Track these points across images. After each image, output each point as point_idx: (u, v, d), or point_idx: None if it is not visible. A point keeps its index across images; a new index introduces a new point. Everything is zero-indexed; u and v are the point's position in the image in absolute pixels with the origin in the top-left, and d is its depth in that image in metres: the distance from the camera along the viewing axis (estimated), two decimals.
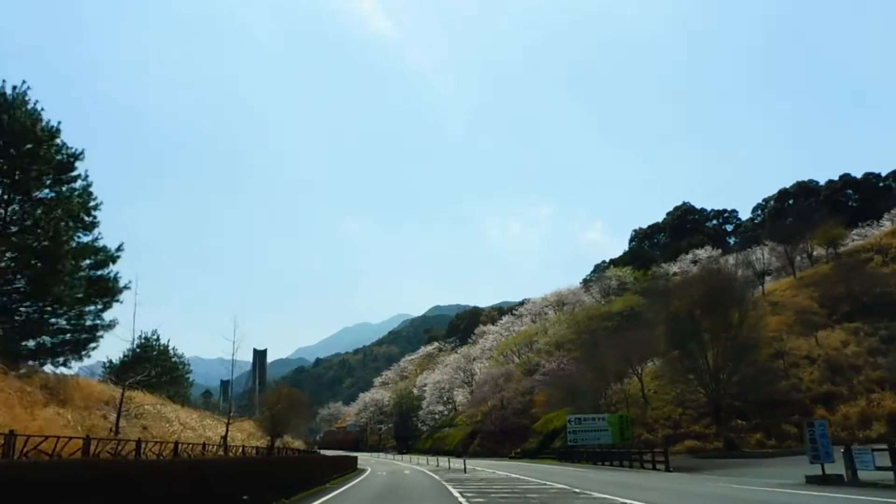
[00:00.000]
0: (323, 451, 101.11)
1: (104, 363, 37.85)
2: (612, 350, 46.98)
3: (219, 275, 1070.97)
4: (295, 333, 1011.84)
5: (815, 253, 67.78)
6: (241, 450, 26.02)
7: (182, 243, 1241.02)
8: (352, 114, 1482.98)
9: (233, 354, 29.05)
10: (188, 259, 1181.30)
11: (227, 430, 28.61)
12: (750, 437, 36.64)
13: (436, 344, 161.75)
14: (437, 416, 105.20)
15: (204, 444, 21.15)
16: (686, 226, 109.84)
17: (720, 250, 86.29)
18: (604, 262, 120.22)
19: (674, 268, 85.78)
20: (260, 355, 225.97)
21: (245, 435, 39.58)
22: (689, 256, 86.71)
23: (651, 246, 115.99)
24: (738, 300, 38.44)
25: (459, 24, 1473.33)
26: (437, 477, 30.18)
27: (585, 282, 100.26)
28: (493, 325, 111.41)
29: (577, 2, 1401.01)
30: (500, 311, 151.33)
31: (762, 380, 38.91)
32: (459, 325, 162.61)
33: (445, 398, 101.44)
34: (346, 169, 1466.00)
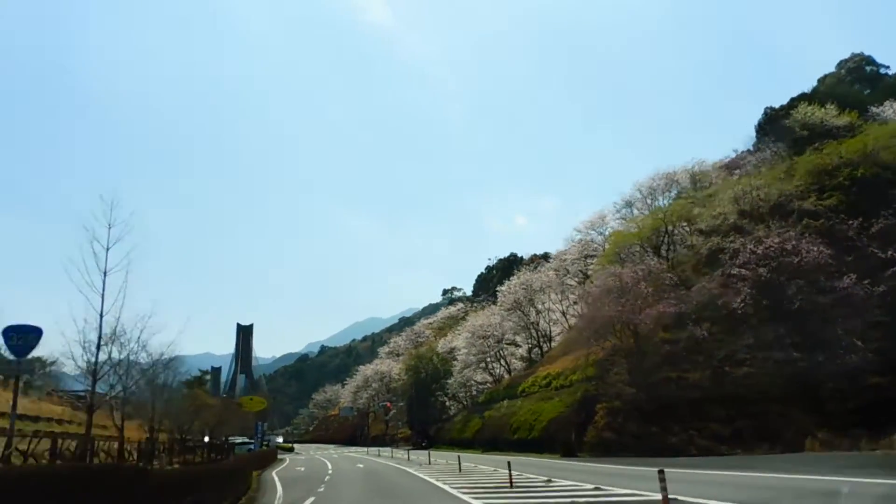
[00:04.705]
0: (297, 447, 63.94)
1: None
2: None
3: (220, 275, 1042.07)
4: (305, 331, 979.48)
5: None
6: None
7: (184, 243, 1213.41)
8: (351, 108, 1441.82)
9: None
10: (189, 259, 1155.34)
11: None
12: None
13: (460, 305, 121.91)
14: (474, 391, 66.02)
15: None
16: (862, 80, 70.42)
17: None
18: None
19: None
20: (245, 331, 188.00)
21: None
22: None
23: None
24: None
25: (456, 13, 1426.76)
26: None
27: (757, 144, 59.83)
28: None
29: None
30: (546, 257, 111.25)
31: None
32: (491, 278, 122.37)
33: (491, 359, 62.05)
34: (347, 165, 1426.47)
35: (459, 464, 23.51)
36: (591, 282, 40.37)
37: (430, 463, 30.17)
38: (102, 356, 15.27)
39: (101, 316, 14.70)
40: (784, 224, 34.23)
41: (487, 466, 25.50)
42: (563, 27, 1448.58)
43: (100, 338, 14.62)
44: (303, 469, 31.33)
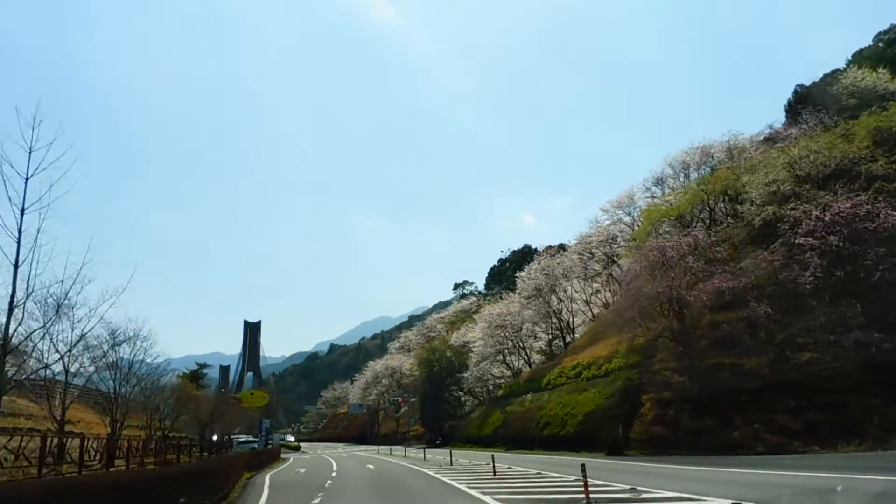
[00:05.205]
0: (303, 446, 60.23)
1: None
2: None
3: (230, 276, 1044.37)
4: (315, 330, 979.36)
5: None
6: None
7: (194, 243, 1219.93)
8: (358, 108, 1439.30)
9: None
10: (199, 259, 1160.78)
11: None
12: None
13: (472, 299, 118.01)
14: (491, 385, 62.16)
15: None
16: None
17: None
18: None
19: None
20: (252, 328, 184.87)
21: None
22: None
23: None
24: None
25: (462, 11, 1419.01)
26: None
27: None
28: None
29: None
30: (561, 248, 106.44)
31: None
32: (505, 270, 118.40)
33: (509, 350, 58.03)
34: (355, 164, 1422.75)
35: (494, 465, 19.45)
36: (619, 265, 36.28)
37: (451, 463, 26.18)
38: (26, 320, 11.47)
39: (16, 266, 10.85)
40: (851, 189, 29.98)
41: (524, 468, 21.48)
42: (570, 23, 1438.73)
43: (13, 295, 10.77)
44: (303, 471, 27.49)
